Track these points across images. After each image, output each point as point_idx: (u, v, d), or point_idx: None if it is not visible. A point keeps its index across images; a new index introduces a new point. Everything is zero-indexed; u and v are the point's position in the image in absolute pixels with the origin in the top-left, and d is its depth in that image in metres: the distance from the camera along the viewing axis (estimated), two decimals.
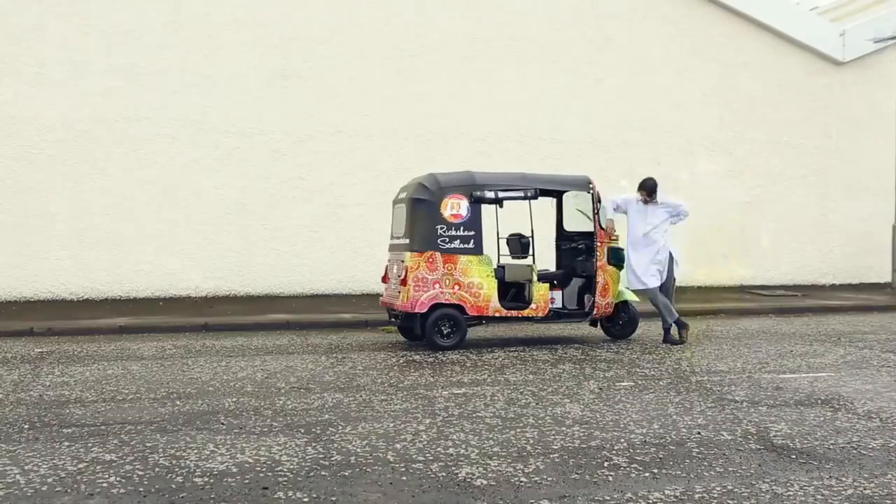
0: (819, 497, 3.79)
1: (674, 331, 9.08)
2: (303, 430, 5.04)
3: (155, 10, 13.99)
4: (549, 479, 4.06)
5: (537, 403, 5.82)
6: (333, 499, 3.77)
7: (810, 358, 8.03)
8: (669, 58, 16.46)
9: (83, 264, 13.59)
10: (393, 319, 9.44)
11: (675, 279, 9.27)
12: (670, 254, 9.12)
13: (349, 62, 14.76)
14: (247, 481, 4.02)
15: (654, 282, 9.06)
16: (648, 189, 9.13)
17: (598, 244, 9.14)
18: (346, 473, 4.15)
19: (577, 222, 9.78)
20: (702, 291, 15.53)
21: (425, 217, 8.73)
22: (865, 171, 17.60)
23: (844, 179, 17.65)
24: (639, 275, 9.12)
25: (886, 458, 4.44)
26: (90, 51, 13.68)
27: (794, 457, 4.46)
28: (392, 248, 9.53)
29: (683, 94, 16.53)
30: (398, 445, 4.67)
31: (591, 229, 9.23)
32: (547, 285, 9.06)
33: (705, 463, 4.33)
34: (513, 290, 9.18)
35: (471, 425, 5.15)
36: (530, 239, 9.28)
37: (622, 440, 4.78)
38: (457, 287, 8.65)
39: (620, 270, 9.38)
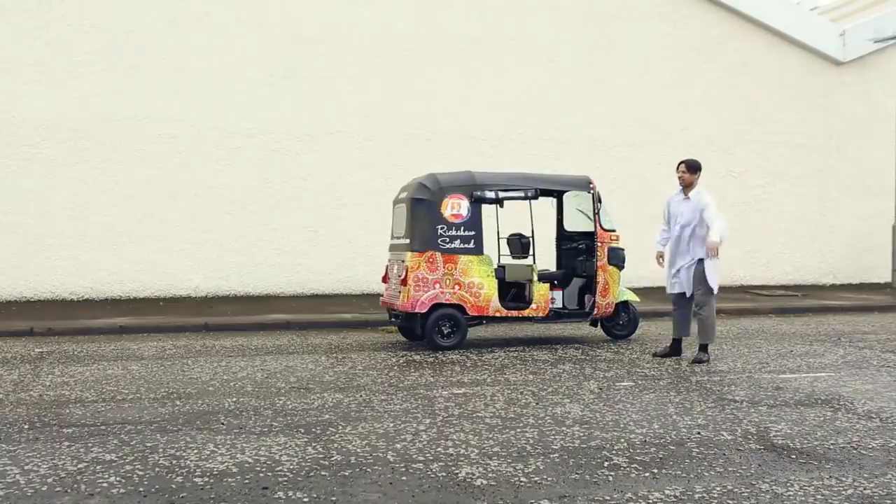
0: (819, 497, 3.79)
1: (664, 348, 8.27)
2: (303, 430, 5.04)
3: (155, 10, 13.98)
4: (549, 479, 4.06)
5: (537, 403, 5.82)
6: (333, 499, 3.77)
7: (810, 358, 8.02)
8: (669, 58, 16.46)
9: (83, 264, 13.60)
10: (393, 319, 9.44)
11: (696, 300, 7.89)
12: (703, 269, 7.71)
13: (349, 62, 14.76)
14: (247, 481, 4.02)
15: (673, 287, 8.01)
16: (689, 165, 7.88)
17: (599, 244, 9.14)
18: (346, 473, 4.15)
19: (577, 222, 9.79)
20: None
21: (426, 217, 8.73)
22: (865, 171, 17.60)
23: (844, 179, 17.65)
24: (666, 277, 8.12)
25: (886, 458, 4.43)
26: (90, 51, 13.68)
27: (794, 457, 4.46)
28: (392, 248, 9.53)
29: (683, 94, 16.53)
30: (398, 445, 4.67)
31: (592, 229, 9.23)
32: (547, 285, 9.06)
33: (705, 463, 4.33)
34: (513, 290, 9.17)
35: (471, 425, 5.15)
36: (530, 239, 9.28)
37: (622, 440, 4.78)
38: (457, 287, 8.65)
39: (621, 270, 9.38)
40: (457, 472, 4.16)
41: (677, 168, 8.03)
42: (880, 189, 17.17)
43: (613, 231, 9.33)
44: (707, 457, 4.44)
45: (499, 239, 9.48)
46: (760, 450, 4.59)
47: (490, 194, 8.90)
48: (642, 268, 15.41)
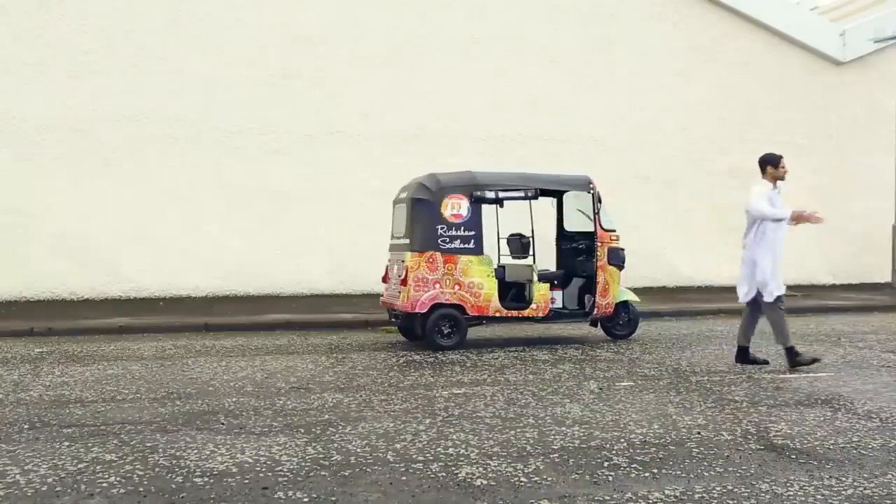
0: (819, 497, 3.79)
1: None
2: (303, 430, 5.04)
3: (155, 10, 13.99)
4: (549, 479, 4.06)
5: (537, 403, 5.82)
6: (333, 499, 3.77)
7: None
8: (669, 58, 16.46)
9: (83, 264, 13.59)
10: (393, 319, 9.44)
11: (764, 303, 7.52)
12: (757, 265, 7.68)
13: (350, 62, 14.76)
14: (247, 481, 4.02)
15: (740, 293, 7.80)
16: (759, 164, 7.83)
17: (599, 244, 9.14)
18: (346, 473, 4.15)
19: (577, 222, 9.79)
20: (702, 291, 15.52)
21: (426, 217, 8.73)
22: (865, 171, 17.59)
23: (844, 179, 17.64)
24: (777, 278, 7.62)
25: (886, 458, 4.43)
26: (90, 51, 13.68)
27: (794, 457, 4.46)
28: (392, 248, 9.53)
29: (683, 94, 16.53)
30: (398, 445, 4.67)
31: (592, 229, 9.23)
32: (547, 285, 9.06)
33: (705, 463, 4.33)
34: (513, 290, 9.18)
35: (471, 425, 5.15)
36: (531, 239, 9.28)
37: (622, 440, 4.78)
38: (457, 287, 8.65)
39: (620, 271, 9.37)
40: (457, 472, 4.16)
41: (782, 163, 7.83)
42: (880, 189, 17.16)
43: (613, 231, 9.33)
44: (707, 457, 4.44)
45: (499, 239, 9.48)
46: (760, 450, 4.59)
47: (490, 194, 8.90)
48: (642, 268, 15.42)
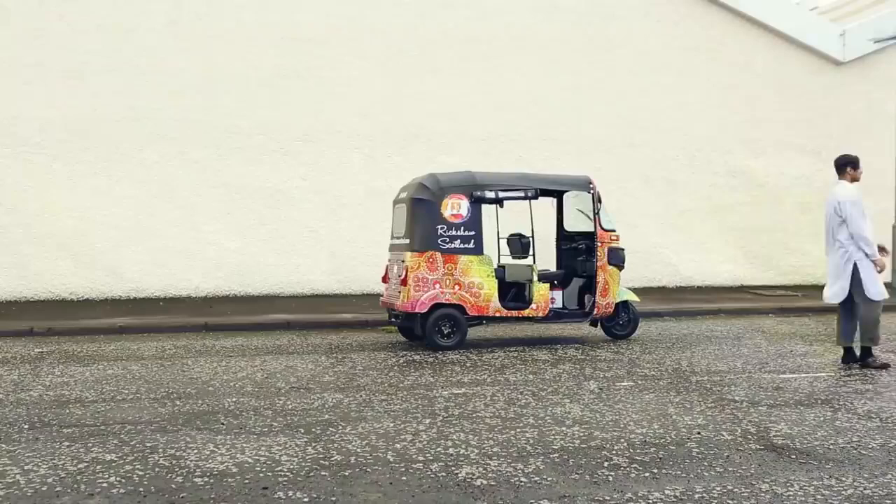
0: (819, 497, 3.79)
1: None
2: (303, 430, 5.04)
3: (155, 10, 13.98)
4: (549, 479, 4.06)
5: (537, 403, 5.82)
6: (333, 499, 3.77)
7: (810, 358, 8.02)
8: (669, 58, 16.45)
9: (83, 264, 13.59)
10: (393, 319, 9.44)
11: (865, 301, 7.28)
12: (855, 266, 7.32)
13: (349, 62, 14.76)
14: (247, 481, 4.02)
15: (828, 294, 7.52)
16: (838, 165, 7.91)
17: (599, 244, 9.14)
18: (346, 473, 4.15)
19: (577, 222, 9.79)
20: (702, 291, 15.53)
21: (426, 217, 8.74)
22: (865, 171, 17.46)
23: None
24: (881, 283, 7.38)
25: (886, 458, 4.43)
26: (90, 51, 13.68)
27: (794, 457, 4.46)
28: (392, 248, 9.53)
29: (683, 94, 16.52)
30: (398, 445, 4.67)
31: (592, 229, 9.23)
32: (547, 285, 9.07)
33: (705, 463, 4.33)
34: (513, 290, 9.18)
35: (471, 425, 5.15)
36: (531, 239, 9.28)
37: (622, 440, 4.78)
38: (457, 287, 8.66)
39: (621, 271, 9.38)
40: (457, 472, 4.16)
41: (860, 164, 7.91)
42: (880, 189, 17.15)
43: (613, 231, 9.33)
44: (707, 457, 4.44)
45: (499, 239, 9.48)
46: (760, 450, 4.59)
47: (490, 194, 8.91)
48: (642, 268, 15.43)
